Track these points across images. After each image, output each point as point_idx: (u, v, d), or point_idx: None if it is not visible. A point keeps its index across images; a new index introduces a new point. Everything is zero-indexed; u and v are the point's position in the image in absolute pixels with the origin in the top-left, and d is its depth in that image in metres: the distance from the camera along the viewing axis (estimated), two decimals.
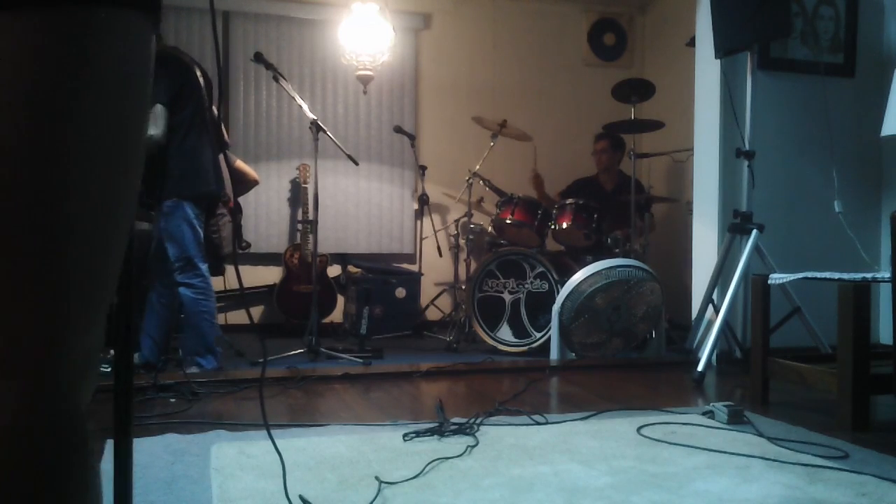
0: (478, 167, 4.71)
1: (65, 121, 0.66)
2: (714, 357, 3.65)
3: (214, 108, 3.75)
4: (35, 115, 0.65)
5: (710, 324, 3.73)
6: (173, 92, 3.21)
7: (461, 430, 2.31)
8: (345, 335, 4.85)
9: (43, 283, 0.66)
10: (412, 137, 5.13)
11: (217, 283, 3.74)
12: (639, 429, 2.37)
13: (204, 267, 3.32)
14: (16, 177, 0.64)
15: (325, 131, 3.82)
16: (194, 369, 3.27)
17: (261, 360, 3.49)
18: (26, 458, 0.66)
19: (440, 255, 5.12)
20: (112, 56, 0.69)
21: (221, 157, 3.55)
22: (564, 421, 2.49)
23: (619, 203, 4.71)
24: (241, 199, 4.88)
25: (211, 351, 3.32)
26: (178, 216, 3.24)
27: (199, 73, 3.40)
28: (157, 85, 3.19)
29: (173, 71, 3.24)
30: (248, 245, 4.91)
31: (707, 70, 4.04)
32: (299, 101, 3.77)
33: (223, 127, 3.84)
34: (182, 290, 3.28)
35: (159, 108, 3.18)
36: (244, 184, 4.44)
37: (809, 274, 2.80)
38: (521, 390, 3.04)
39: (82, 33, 0.67)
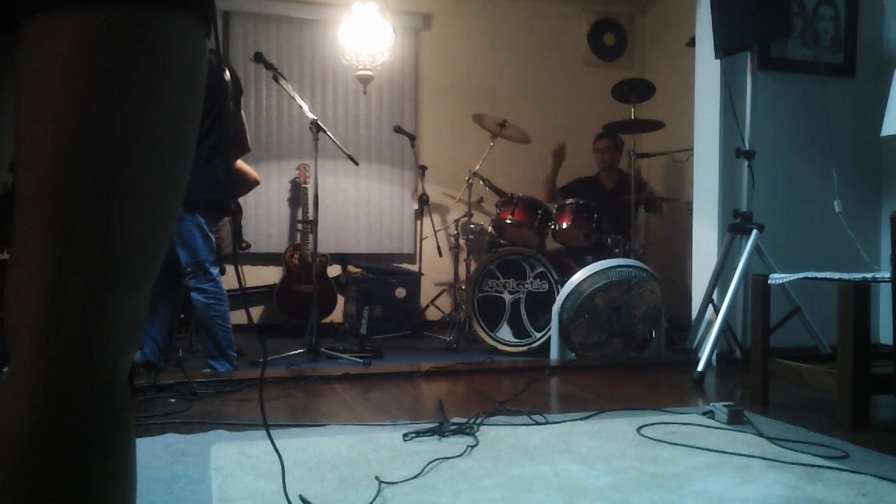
0: (478, 167, 4.71)
1: (119, 111, 0.70)
2: (714, 357, 3.65)
3: (242, 113, 3.74)
4: (92, 104, 0.70)
5: (710, 324, 3.73)
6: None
7: (461, 430, 2.31)
8: (345, 335, 4.85)
9: (93, 248, 0.70)
10: (412, 137, 5.13)
11: None
12: (639, 429, 2.37)
13: (215, 272, 3.33)
14: (75, 156, 0.69)
15: (325, 131, 3.82)
16: (207, 371, 3.28)
17: (261, 360, 3.50)
18: (64, 423, 0.68)
19: (440, 255, 5.12)
20: (167, 53, 0.74)
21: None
22: (564, 421, 2.49)
23: (620, 202, 4.72)
24: (241, 200, 4.88)
25: (224, 355, 3.32)
26: (189, 221, 3.24)
27: (228, 75, 3.39)
28: None
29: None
30: (248, 246, 4.91)
31: (707, 70, 4.04)
32: (299, 101, 3.77)
33: (246, 132, 3.83)
34: (194, 295, 3.28)
35: None
36: (245, 184, 4.43)
37: (809, 274, 2.80)
38: (521, 390, 3.04)
39: (139, 30, 0.71)
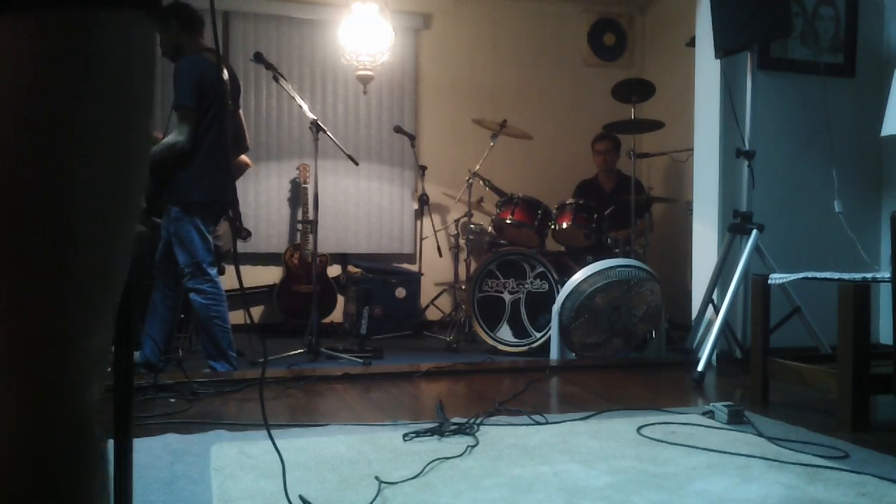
0: (478, 167, 4.71)
1: (65, 125, 0.66)
2: (714, 357, 3.65)
3: (241, 112, 3.74)
4: (35, 121, 0.65)
5: (710, 324, 3.73)
6: (199, 94, 3.19)
7: (461, 430, 2.31)
8: (345, 335, 4.85)
9: (49, 285, 0.67)
10: (412, 137, 5.13)
11: None
12: (639, 429, 2.37)
13: (213, 272, 3.32)
14: (19, 181, 0.65)
15: (325, 131, 3.82)
16: (207, 371, 3.28)
17: (261, 360, 3.50)
18: (34, 456, 0.67)
19: (440, 255, 5.11)
20: (113, 58, 0.69)
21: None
22: (564, 421, 2.49)
23: (619, 203, 4.71)
24: (240, 199, 4.88)
25: (224, 355, 3.32)
26: (187, 222, 3.24)
27: (226, 75, 3.39)
28: (183, 87, 3.17)
29: (199, 73, 3.20)
30: (250, 234, 4.87)
31: (707, 70, 4.04)
32: (299, 101, 3.77)
33: (245, 130, 3.82)
34: (192, 295, 3.28)
35: (184, 113, 3.15)
36: (237, 170, 4.38)
37: (809, 274, 2.80)
38: (521, 390, 3.04)
39: (81, 36, 0.66)
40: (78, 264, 0.68)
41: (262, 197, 5.13)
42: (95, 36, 0.67)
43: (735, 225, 3.73)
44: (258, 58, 3.76)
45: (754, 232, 3.60)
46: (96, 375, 0.72)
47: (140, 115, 0.73)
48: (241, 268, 4.54)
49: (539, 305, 4.16)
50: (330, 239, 5.22)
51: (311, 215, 4.13)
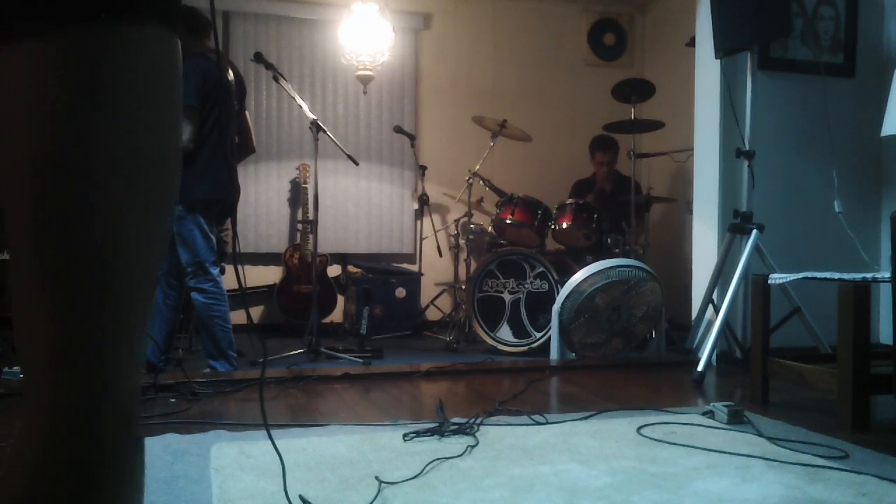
0: (478, 167, 4.71)
1: (93, 140, 0.68)
2: (714, 357, 3.65)
3: (247, 113, 3.74)
4: (66, 140, 0.67)
5: (710, 324, 3.73)
6: (202, 95, 3.19)
7: (461, 430, 2.31)
8: (345, 335, 4.85)
9: (96, 286, 0.70)
10: (412, 137, 5.13)
11: None
12: (639, 429, 2.37)
13: (216, 272, 3.33)
14: (57, 195, 0.68)
15: (325, 131, 3.82)
16: (207, 371, 3.28)
17: (261, 360, 3.50)
18: (81, 451, 0.70)
19: (440, 255, 5.11)
20: (133, 72, 0.71)
21: None
22: (564, 421, 2.49)
23: (618, 203, 4.71)
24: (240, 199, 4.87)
25: (224, 355, 3.32)
26: (190, 221, 3.24)
27: (231, 76, 3.39)
28: (186, 87, 3.17)
29: (203, 73, 3.20)
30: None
31: (707, 70, 4.04)
32: (299, 101, 3.77)
33: (250, 132, 3.81)
34: (194, 295, 3.28)
35: (187, 113, 3.15)
36: None
37: (809, 274, 2.80)
38: (521, 390, 3.04)
39: (100, 53, 0.68)
40: (119, 268, 0.71)
41: (262, 197, 5.14)
42: (114, 52, 0.69)
43: (735, 225, 3.73)
44: (258, 58, 3.76)
45: (754, 232, 3.60)
46: (138, 372, 0.76)
47: (164, 125, 0.75)
48: (242, 268, 4.51)
49: (539, 305, 4.16)
50: (330, 239, 5.22)
51: (311, 215, 4.13)
